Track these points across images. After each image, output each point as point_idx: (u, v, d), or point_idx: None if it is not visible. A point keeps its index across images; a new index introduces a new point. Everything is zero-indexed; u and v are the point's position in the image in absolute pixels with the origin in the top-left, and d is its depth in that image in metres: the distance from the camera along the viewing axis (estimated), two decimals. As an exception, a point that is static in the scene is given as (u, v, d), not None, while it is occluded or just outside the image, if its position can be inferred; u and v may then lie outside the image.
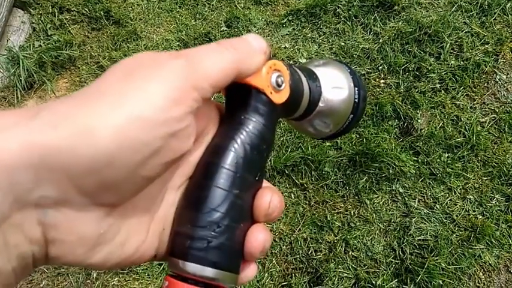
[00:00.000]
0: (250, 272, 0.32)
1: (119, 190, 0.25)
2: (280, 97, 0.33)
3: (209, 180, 0.29)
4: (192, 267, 0.28)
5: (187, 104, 0.26)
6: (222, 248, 0.29)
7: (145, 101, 0.24)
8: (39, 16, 2.33)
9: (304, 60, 2.01)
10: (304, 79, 0.38)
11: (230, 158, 0.30)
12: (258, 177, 0.32)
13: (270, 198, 0.32)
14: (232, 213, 0.29)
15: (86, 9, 2.35)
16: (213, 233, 0.28)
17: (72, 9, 2.37)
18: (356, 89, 0.42)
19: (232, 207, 0.29)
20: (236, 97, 0.33)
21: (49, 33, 2.28)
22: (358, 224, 1.65)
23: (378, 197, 1.69)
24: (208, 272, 0.28)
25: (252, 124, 0.32)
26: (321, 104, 0.40)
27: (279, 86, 0.33)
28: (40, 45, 2.22)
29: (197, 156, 0.32)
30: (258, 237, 0.31)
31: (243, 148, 0.31)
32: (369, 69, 1.95)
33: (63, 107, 0.24)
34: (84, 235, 0.25)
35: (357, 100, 0.42)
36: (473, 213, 1.63)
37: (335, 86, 0.41)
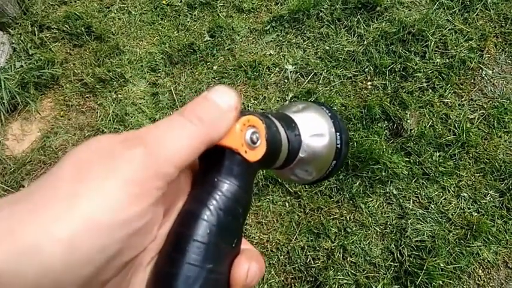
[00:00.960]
0: None
1: None
2: (255, 154, 0.31)
3: (179, 254, 0.27)
4: None
5: (150, 196, 0.24)
6: None
7: (100, 203, 0.22)
8: (18, 36, 2.29)
9: (290, 67, 2.00)
10: (281, 129, 0.36)
11: (202, 229, 0.27)
12: (234, 244, 0.30)
13: (247, 267, 0.29)
14: None
15: (66, 26, 2.32)
16: None
17: (52, 26, 2.34)
18: (338, 134, 0.41)
19: (205, 284, 0.27)
20: (208, 157, 0.30)
21: (30, 53, 2.25)
22: (354, 228, 1.64)
23: (372, 200, 1.68)
24: None
25: (226, 187, 0.29)
26: (301, 154, 0.39)
27: (254, 143, 0.31)
28: (21, 66, 2.19)
29: (166, 229, 0.29)
30: None
31: (216, 215, 0.28)
32: (355, 71, 1.94)
33: (6, 221, 0.21)
34: None
35: (339, 146, 0.41)
36: (469, 210, 1.63)
37: (315, 133, 0.39)
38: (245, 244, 0.32)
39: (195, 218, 0.28)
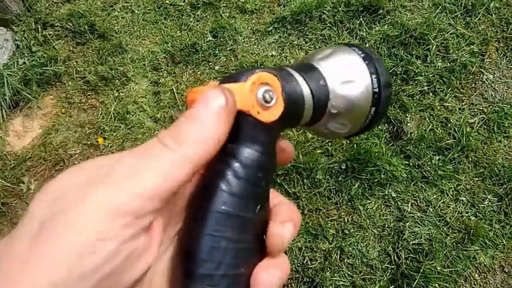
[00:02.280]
0: None
1: None
2: (271, 114, 0.29)
3: (201, 228, 0.25)
4: None
5: (115, 237, 0.22)
6: None
7: (56, 261, 0.20)
8: (22, 33, 2.30)
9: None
10: (302, 81, 0.32)
11: (221, 199, 0.26)
12: (257, 210, 0.28)
13: (282, 231, 0.28)
14: (234, 261, 0.26)
15: (69, 23, 2.33)
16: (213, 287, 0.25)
17: (56, 24, 2.35)
18: (374, 76, 0.35)
19: (232, 254, 0.25)
20: None
21: (33, 50, 2.25)
22: (352, 230, 1.65)
23: (370, 202, 1.68)
24: None
25: (242, 153, 0.27)
26: (331, 110, 0.34)
27: (268, 102, 0.28)
28: (24, 62, 2.20)
29: (181, 205, 0.29)
30: (263, 278, 0.27)
31: (235, 184, 0.26)
32: (356, 74, 1.94)
33: None
34: None
35: (376, 90, 0.35)
36: (466, 214, 1.63)
37: (345, 79, 0.34)
38: (277, 197, 0.31)
39: (214, 188, 0.26)
